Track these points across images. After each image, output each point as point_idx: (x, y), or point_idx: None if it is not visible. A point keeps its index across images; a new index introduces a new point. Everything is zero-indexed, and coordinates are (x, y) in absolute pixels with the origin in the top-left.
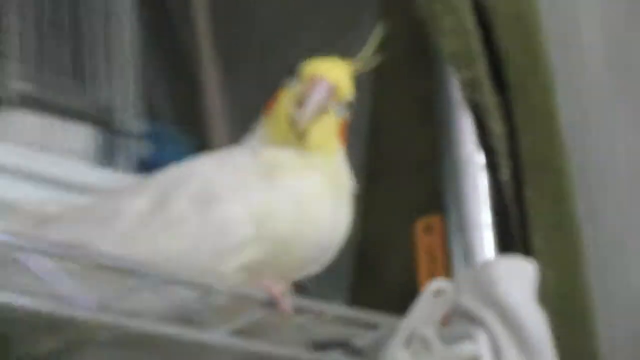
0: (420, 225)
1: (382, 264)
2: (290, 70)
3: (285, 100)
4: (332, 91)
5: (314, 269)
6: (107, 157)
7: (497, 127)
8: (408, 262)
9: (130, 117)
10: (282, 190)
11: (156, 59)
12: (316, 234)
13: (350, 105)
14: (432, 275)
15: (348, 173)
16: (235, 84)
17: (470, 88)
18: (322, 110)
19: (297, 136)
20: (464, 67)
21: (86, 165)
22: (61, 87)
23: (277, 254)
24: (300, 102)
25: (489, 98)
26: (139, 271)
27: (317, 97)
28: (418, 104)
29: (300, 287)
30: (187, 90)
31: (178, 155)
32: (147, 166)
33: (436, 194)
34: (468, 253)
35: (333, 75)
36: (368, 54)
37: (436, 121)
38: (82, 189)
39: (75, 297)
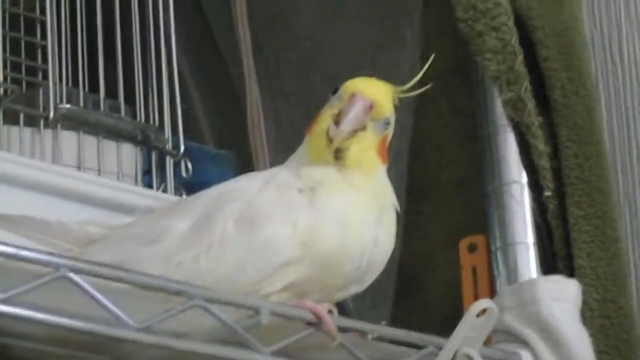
0: (464, 243)
1: (425, 282)
2: (332, 89)
3: (324, 118)
4: (370, 108)
5: (357, 288)
6: (149, 176)
7: (541, 146)
8: (452, 281)
9: (172, 137)
10: (325, 210)
11: (198, 78)
12: (359, 253)
13: (390, 123)
14: (475, 294)
15: (390, 191)
16: (277, 103)
17: (514, 108)
18: (358, 127)
19: (334, 153)
20: (507, 87)
21: (129, 184)
22: (103, 107)
23: (320, 274)
24: (337, 119)
25: (533, 118)
26: (184, 292)
27: (353, 113)
28: (462, 122)
29: (344, 307)
30: (229, 110)
31: (220, 175)
32: (189, 185)
33: (480, 213)
34: (512, 272)
35: (371, 93)
36: (415, 81)
37: (480, 140)
38: (124, 208)
39: (121, 317)
